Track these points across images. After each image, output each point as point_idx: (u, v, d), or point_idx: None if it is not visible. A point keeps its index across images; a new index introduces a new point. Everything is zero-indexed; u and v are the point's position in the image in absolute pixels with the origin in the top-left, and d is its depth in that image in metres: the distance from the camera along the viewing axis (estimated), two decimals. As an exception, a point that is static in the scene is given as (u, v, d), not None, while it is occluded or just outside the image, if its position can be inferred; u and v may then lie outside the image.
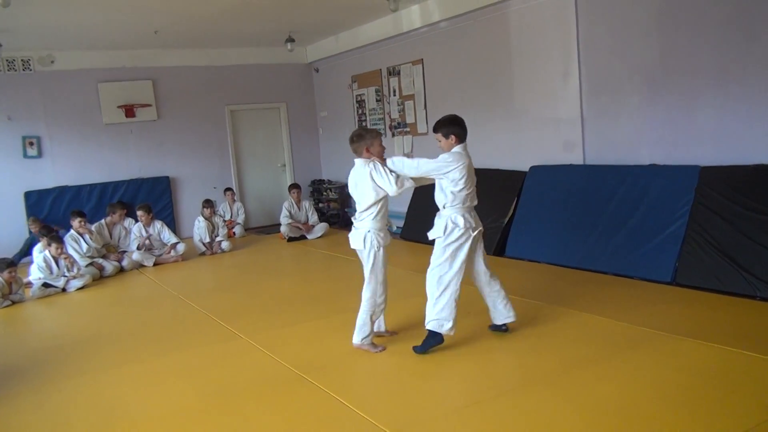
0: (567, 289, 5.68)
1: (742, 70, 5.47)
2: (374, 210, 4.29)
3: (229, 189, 10.91)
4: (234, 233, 10.45)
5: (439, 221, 4.35)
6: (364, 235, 4.30)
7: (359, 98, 10.73)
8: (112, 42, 9.48)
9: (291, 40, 9.94)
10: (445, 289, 4.21)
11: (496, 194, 7.68)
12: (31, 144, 9.71)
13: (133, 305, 6.81)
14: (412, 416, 3.45)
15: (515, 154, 7.74)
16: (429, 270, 4.31)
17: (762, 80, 5.34)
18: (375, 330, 4.52)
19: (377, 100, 10.27)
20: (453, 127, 4.31)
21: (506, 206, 7.49)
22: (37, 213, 9.58)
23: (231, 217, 10.70)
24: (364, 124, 10.68)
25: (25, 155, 9.68)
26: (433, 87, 9.08)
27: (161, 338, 5.29)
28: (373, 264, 4.30)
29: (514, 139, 7.79)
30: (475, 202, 4.46)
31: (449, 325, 4.22)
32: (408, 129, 9.67)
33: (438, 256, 4.28)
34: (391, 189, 4.20)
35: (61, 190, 9.84)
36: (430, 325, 4.24)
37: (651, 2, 6.12)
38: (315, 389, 3.90)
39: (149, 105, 10.46)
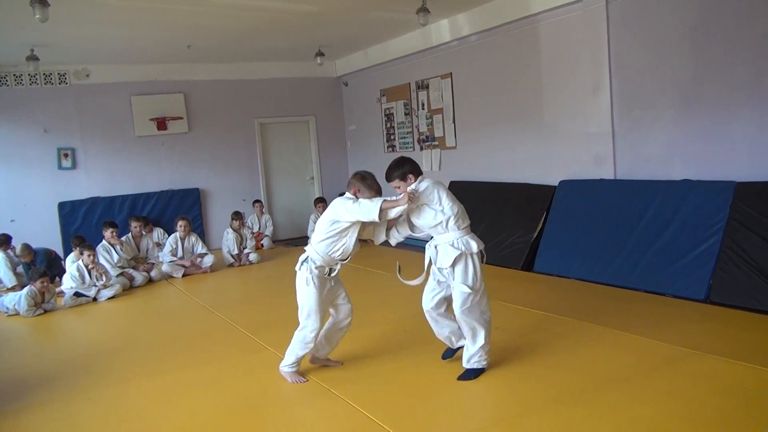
0: (597, 306, 5.60)
1: (779, 84, 5.38)
2: (324, 240, 4.10)
3: (257, 201, 11.00)
4: (262, 245, 10.52)
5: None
6: (303, 260, 4.18)
7: (388, 112, 10.76)
8: (145, 56, 9.67)
9: (320, 54, 10.03)
10: None
11: (524, 208, 7.64)
12: (66, 156, 9.92)
13: (162, 316, 6.89)
14: (435, 431, 3.42)
15: (545, 168, 7.68)
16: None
17: (799, 94, 5.24)
18: (320, 357, 4.44)
19: (406, 114, 10.29)
20: (405, 167, 4.07)
21: (535, 221, 7.42)
22: (70, 223, 9.78)
23: (259, 229, 10.78)
24: (392, 137, 10.71)
25: (60, 167, 9.89)
26: (461, 101, 9.08)
27: (189, 349, 5.33)
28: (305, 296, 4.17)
29: (544, 153, 7.73)
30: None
31: None
32: (437, 143, 9.67)
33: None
34: (373, 212, 3.89)
35: (93, 201, 10.02)
36: None
37: (685, 15, 6.05)
38: (341, 403, 3.89)
39: (181, 118, 10.63)
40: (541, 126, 7.76)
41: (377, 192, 4.08)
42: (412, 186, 4.04)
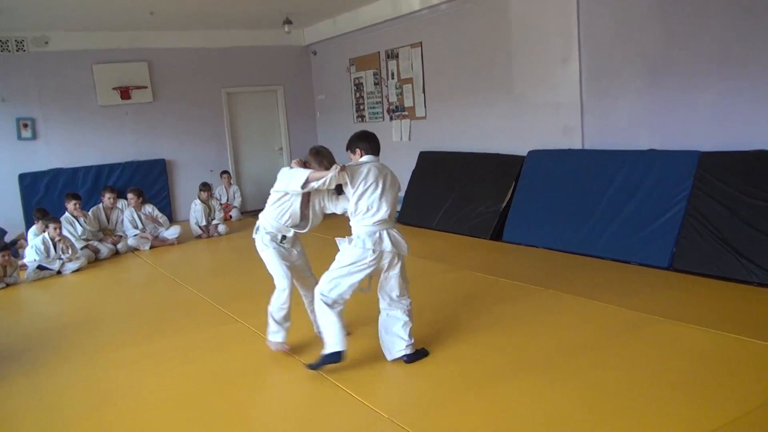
0: (564, 274, 5.69)
1: (744, 56, 5.44)
2: (271, 207, 4.14)
3: (225, 172, 10.84)
4: (230, 216, 10.41)
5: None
6: (256, 227, 4.22)
7: (357, 81, 10.66)
8: (107, 23, 9.37)
9: (288, 22, 9.84)
10: None
11: (494, 178, 7.67)
12: (26, 126, 9.63)
13: (129, 288, 6.80)
14: (406, 400, 3.45)
15: (514, 139, 7.71)
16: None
17: (763, 66, 5.31)
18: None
19: (375, 84, 10.20)
20: (357, 141, 3.99)
21: (504, 191, 7.47)
22: (31, 195, 9.52)
23: (227, 200, 10.66)
24: (362, 107, 10.62)
25: (20, 137, 9.59)
26: (432, 71, 9.02)
27: (157, 322, 5.28)
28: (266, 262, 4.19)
29: (513, 123, 7.75)
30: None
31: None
32: (406, 113, 9.62)
33: None
34: (298, 182, 3.84)
35: (56, 173, 9.76)
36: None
37: (652, -15, 6.07)
38: (309, 373, 3.89)
39: (145, 87, 10.36)
40: (510, 96, 7.76)
41: (326, 168, 3.91)
42: (355, 161, 3.96)
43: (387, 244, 3.85)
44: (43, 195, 9.58)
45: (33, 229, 7.82)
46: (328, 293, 3.87)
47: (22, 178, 9.55)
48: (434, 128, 9.10)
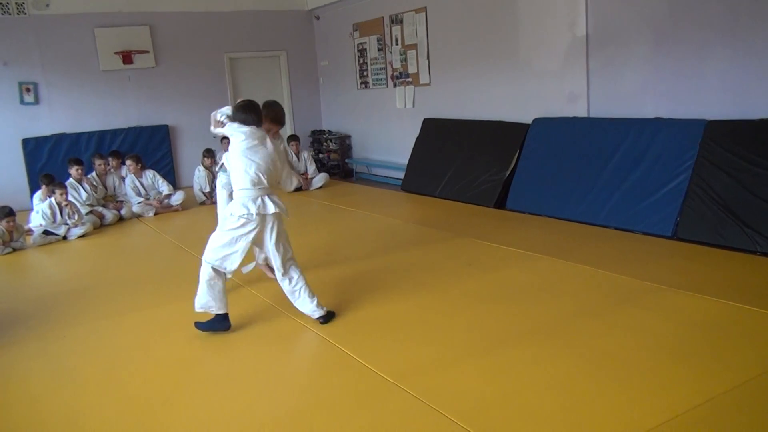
0: (568, 243, 5.69)
1: (752, 23, 5.36)
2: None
3: (226, 138, 10.73)
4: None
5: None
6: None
7: (361, 47, 10.53)
8: (108, -15, 9.24)
9: (291, -15, 9.69)
10: None
11: (498, 146, 7.63)
12: (28, 90, 9.56)
13: (134, 254, 6.83)
14: (410, 365, 3.48)
15: (518, 106, 7.64)
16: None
17: (773, 33, 5.24)
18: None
19: (379, 49, 10.08)
20: (239, 114, 4.16)
21: (508, 159, 7.44)
22: (35, 160, 9.51)
23: (230, 166, 10.61)
24: (365, 73, 10.52)
25: (22, 102, 9.53)
26: (436, 36, 8.91)
27: (162, 287, 5.30)
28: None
29: (518, 90, 7.68)
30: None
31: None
32: (410, 79, 9.53)
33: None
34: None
35: (59, 138, 9.72)
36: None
37: (662, -50, 5.95)
38: (312, 335, 3.95)
39: (147, 51, 10.26)
40: (516, 63, 7.67)
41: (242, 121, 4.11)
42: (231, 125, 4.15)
43: (270, 207, 3.97)
44: (47, 160, 9.57)
45: (38, 194, 7.84)
46: (213, 260, 3.96)
47: (26, 143, 9.53)
48: (438, 95, 9.03)
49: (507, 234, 6.13)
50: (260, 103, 4.33)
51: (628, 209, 5.98)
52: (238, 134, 4.05)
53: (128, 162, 8.72)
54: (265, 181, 4.00)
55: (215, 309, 4.05)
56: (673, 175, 5.73)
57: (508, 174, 7.37)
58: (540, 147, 7.16)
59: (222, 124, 4.21)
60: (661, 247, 5.39)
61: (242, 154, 4.01)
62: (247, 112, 4.11)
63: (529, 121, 7.40)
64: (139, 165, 8.77)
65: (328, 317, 4.15)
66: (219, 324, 4.09)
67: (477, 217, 6.97)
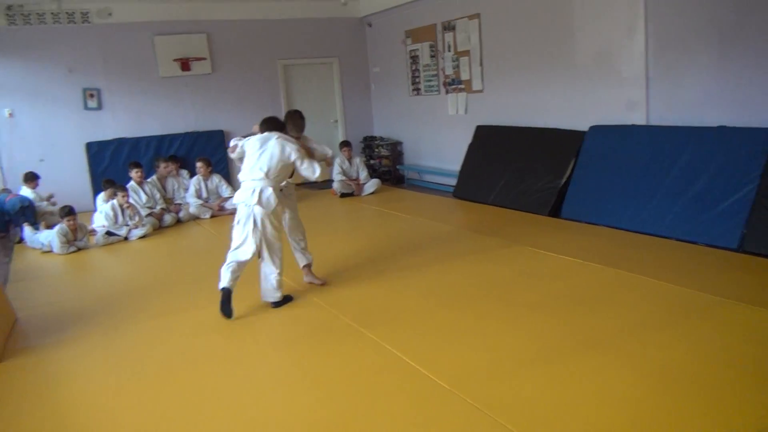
0: (627, 253, 5.56)
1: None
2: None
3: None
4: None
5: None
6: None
7: (413, 54, 10.55)
8: (168, -6, 9.50)
9: (345, -7, 9.79)
10: None
11: (553, 154, 7.54)
12: (92, 96, 9.90)
13: (192, 255, 6.98)
14: (465, 372, 3.45)
15: (574, 113, 7.53)
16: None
17: None
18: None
19: (431, 56, 10.08)
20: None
21: (563, 167, 7.33)
22: (97, 163, 9.83)
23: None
24: (417, 80, 10.53)
25: (86, 107, 9.88)
26: (489, 42, 8.85)
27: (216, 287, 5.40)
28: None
29: (574, 97, 7.57)
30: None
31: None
32: (463, 86, 9.49)
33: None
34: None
35: (120, 142, 10.03)
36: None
37: (729, -47, 5.78)
38: (371, 341, 3.96)
39: (204, 58, 10.50)
40: (572, 69, 7.56)
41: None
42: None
43: (252, 198, 4.61)
44: (108, 163, 9.88)
45: (101, 195, 8.12)
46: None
47: (89, 146, 9.85)
48: (491, 102, 8.97)
49: (564, 243, 6.03)
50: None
51: (690, 220, 5.81)
52: (243, 144, 4.90)
53: (199, 164, 8.95)
54: (256, 175, 4.66)
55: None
56: (739, 186, 5.55)
57: (563, 182, 7.27)
58: (597, 155, 7.03)
59: (234, 148, 5.01)
60: (726, 259, 5.22)
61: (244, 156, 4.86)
62: (261, 124, 4.96)
63: (586, 129, 7.28)
64: (209, 168, 8.99)
65: (281, 303, 4.76)
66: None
67: (532, 225, 6.89)
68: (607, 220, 6.60)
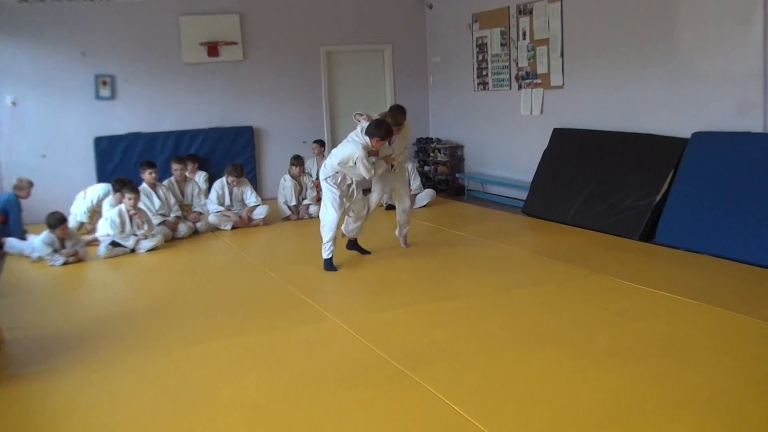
0: (737, 289, 5.39)
1: None
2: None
3: (318, 141, 10.82)
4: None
5: None
6: None
7: (480, 41, 10.51)
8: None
9: (402, -32, 9.81)
10: None
11: (646, 165, 7.47)
12: (105, 83, 10.13)
13: (208, 273, 7.00)
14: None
15: (674, 117, 7.41)
16: None
17: None
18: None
19: (502, 45, 10.02)
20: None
21: (659, 181, 7.20)
22: (106, 161, 10.03)
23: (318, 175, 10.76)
24: (484, 73, 10.48)
25: (98, 96, 10.11)
26: (573, 30, 8.77)
27: (238, 314, 5.42)
28: None
29: (674, 98, 7.45)
30: None
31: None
32: (539, 80, 9.40)
33: None
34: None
35: (134, 137, 10.21)
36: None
37: None
38: (416, 386, 3.87)
39: (235, 43, 10.65)
40: (672, 64, 7.43)
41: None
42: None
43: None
44: (119, 162, 10.08)
45: (109, 199, 8.18)
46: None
47: (98, 141, 10.06)
48: (573, 100, 8.85)
49: (657, 274, 5.89)
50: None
51: (817, 251, 5.57)
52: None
53: (230, 179, 8.90)
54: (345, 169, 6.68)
55: None
56: None
57: (658, 199, 7.12)
58: (701, 167, 6.88)
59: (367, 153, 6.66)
60: None
61: None
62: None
63: (688, 136, 7.15)
64: (240, 179, 9.00)
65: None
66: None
67: (619, 251, 6.76)
68: (712, 247, 6.43)
